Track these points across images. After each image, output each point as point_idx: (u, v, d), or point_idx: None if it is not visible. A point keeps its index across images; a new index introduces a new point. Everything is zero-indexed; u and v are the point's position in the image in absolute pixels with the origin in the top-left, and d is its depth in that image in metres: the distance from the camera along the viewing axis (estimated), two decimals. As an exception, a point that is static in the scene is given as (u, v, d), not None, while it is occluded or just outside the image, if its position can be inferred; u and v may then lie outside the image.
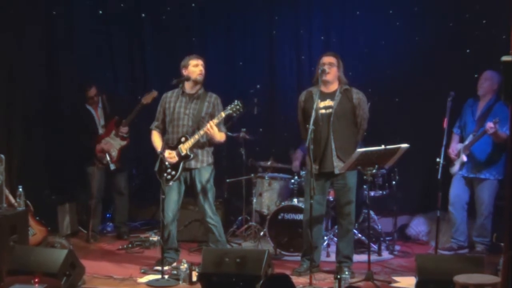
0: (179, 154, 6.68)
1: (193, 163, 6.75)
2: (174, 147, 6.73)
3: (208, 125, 6.54)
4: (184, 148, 6.65)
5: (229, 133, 7.35)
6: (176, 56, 8.66)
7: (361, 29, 8.51)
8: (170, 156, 6.67)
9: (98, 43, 9.03)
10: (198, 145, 6.70)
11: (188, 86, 6.82)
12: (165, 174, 6.66)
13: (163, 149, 6.60)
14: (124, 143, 8.27)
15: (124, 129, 8.18)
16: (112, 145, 8.18)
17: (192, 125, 6.72)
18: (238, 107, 6.57)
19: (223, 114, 6.59)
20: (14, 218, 6.69)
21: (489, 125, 6.93)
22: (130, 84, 9.22)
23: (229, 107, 6.59)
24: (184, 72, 6.80)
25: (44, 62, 8.68)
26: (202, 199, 6.80)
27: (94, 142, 8.16)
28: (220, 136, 6.71)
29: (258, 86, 8.80)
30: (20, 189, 6.91)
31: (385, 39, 8.40)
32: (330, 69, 6.49)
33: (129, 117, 8.13)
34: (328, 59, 6.54)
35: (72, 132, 8.44)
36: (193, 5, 8.91)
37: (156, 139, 6.88)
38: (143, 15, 9.02)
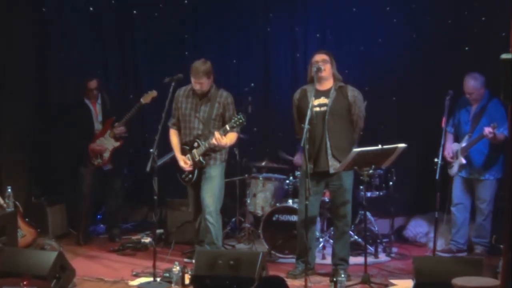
0: (193, 159, 6.74)
1: (205, 163, 6.77)
2: (189, 151, 6.78)
3: (214, 138, 6.53)
4: (197, 154, 6.71)
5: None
6: (168, 54, 8.64)
7: (357, 27, 8.41)
8: (186, 164, 6.76)
9: (89, 40, 8.92)
10: (211, 148, 6.72)
11: None
12: (183, 176, 6.84)
13: (156, 148, 6.51)
14: (117, 144, 8.10)
15: (120, 129, 8.02)
16: (106, 147, 8.05)
17: (203, 129, 6.74)
18: (240, 121, 6.53)
19: (227, 127, 6.55)
20: (3, 220, 6.67)
21: (488, 130, 6.85)
22: (122, 82, 9.11)
23: (232, 121, 6.53)
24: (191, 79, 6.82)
25: (34, 60, 8.61)
26: (206, 192, 6.75)
27: (88, 139, 8.01)
28: (230, 139, 6.71)
29: (253, 84, 8.69)
30: (9, 190, 6.86)
31: (382, 36, 8.31)
32: (325, 65, 6.42)
33: (126, 117, 7.98)
34: (320, 57, 6.47)
35: (64, 131, 8.33)
36: (185, 1, 8.81)
37: (174, 139, 6.95)
38: (134, 11, 8.90)
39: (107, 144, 8.06)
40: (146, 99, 7.77)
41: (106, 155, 8.05)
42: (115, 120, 8.09)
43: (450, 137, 7.44)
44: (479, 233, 7.30)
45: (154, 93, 7.74)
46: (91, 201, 8.23)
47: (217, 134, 6.51)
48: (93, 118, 8.09)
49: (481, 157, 7.18)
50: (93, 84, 8.01)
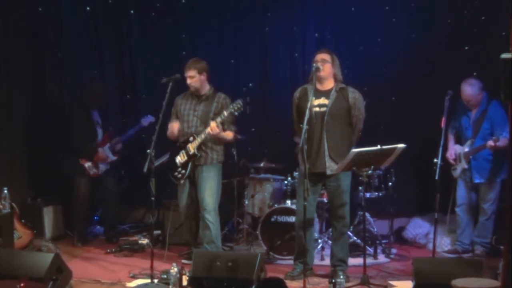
0: (187, 153, 6.79)
1: (202, 160, 6.82)
2: (183, 147, 6.82)
3: (209, 127, 6.59)
4: (192, 147, 6.77)
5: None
6: (166, 54, 8.59)
7: (356, 26, 8.39)
8: (180, 157, 6.84)
9: (86, 40, 8.90)
10: (206, 144, 6.78)
11: None
12: (176, 173, 6.89)
13: (153, 148, 6.48)
14: (114, 158, 8.26)
15: (118, 146, 8.24)
16: (107, 157, 8.13)
17: (201, 126, 6.80)
18: (239, 105, 6.57)
19: (225, 113, 6.61)
20: (-1, 221, 6.61)
21: (490, 144, 6.84)
22: (119, 81, 9.07)
23: (231, 106, 6.61)
24: None
25: (31, 61, 8.57)
26: (204, 191, 6.79)
27: (92, 143, 8.03)
28: (226, 134, 6.81)
29: (251, 84, 8.69)
30: (5, 191, 6.80)
31: (381, 36, 8.29)
32: (324, 65, 6.38)
33: (125, 136, 8.22)
34: (321, 56, 6.44)
35: (61, 132, 8.28)
36: (183, 1, 8.78)
37: (173, 127, 7.00)
38: (131, 11, 8.87)
39: (109, 156, 8.18)
40: (146, 121, 8.10)
41: (103, 167, 8.12)
42: (113, 134, 8.22)
43: (451, 138, 7.42)
44: (480, 233, 7.27)
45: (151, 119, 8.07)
46: (88, 206, 8.22)
47: (212, 123, 6.57)
48: (95, 125, 8.12)
49: (485, 163, 7.15)
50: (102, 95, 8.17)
